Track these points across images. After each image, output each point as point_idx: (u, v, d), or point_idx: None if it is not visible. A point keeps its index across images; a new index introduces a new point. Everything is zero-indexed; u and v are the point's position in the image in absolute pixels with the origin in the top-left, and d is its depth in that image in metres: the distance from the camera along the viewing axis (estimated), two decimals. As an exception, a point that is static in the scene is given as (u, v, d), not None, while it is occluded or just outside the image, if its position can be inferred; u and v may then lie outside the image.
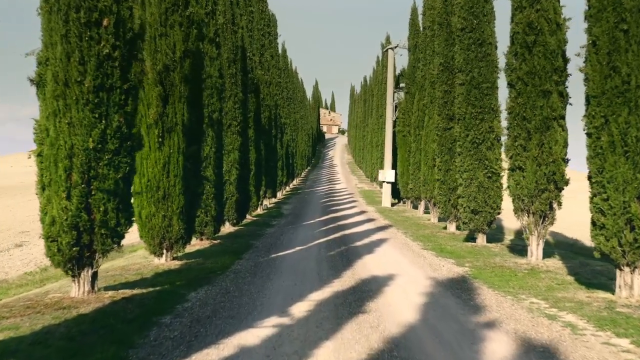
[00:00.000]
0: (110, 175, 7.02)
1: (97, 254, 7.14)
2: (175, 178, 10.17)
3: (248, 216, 20.69)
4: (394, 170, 29.15)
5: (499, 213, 13.72)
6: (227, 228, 16.86)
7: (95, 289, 7.35)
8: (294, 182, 49.36)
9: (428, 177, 20.23)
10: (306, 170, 65.32)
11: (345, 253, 11.74)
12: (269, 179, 24.38)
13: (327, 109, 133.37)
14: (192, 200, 10.70)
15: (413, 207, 27.29)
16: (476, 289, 7.78)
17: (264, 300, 6.93)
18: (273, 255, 11.39)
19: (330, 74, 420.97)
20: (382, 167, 34.97)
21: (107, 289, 7.81)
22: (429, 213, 24.12)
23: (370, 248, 12.73)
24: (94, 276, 7.32)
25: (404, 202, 30.90)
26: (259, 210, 23.99)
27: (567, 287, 8.12)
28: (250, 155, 20.26)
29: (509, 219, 15.49)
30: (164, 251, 10.49)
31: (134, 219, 7.54)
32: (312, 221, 20.13)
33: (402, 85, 29.26)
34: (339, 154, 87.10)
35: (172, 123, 10.23)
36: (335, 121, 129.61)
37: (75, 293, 7.19)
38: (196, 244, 13.44)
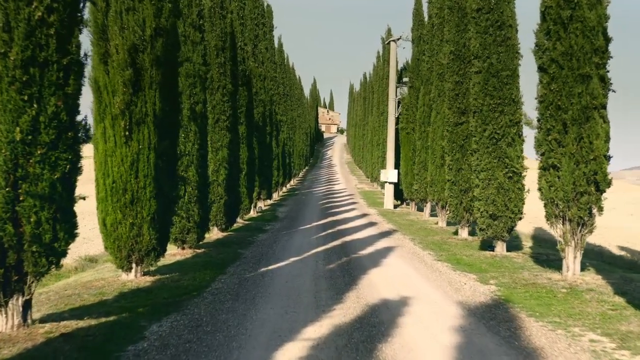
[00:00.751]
0: (45, 176, 5.47)
1: (28, 278, 5.58)
2: (146, 179, 8.59)
3: (240, 220, 19.14)
4: (396, 170, 27.60)
5: (520, 218, 12.20)
6: (214, 234, 15.29)
7: (29, 321, 5.77)
8: (292, 182, 47.79)
9: (436, 177, 18.69)
10: (304, 170, 63.76)
11: (347, 266, 10.18)
12: (263, 179, 22.83)
13: (326, 107, 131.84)
14: (166, 205, 9.12)
15: (418, 210, 25.75)
16: (514, 318, 6.23)
17: (242, 341, 5.35)
18: (262, 270, 9.83)
19: (329, 72, 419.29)
20: (383, 167, 33.45)
21: (49, 317, 6.24)
22: (435, 216, 22.59)
23: (375, 259, 11.17)
24: (27, 305, 5.74)
25: (407, 204, 29.37)
26: (252, 213, 22.43)
27: (623, 313, 6.58)
28: (242, 153, 18.71)
29: (520, 222, 13.95)
30: (133, 265, 8.92)
31: (77, 231, 5.95)
32: (309, 225, 18.56)
33: (405, 80, 27.71)
34: (337, 153, 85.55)
35: (142, 114, 8.64)
36: (333, 120, 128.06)
37: (1, 327, 5.61)
38: (177, 254, 11.88)
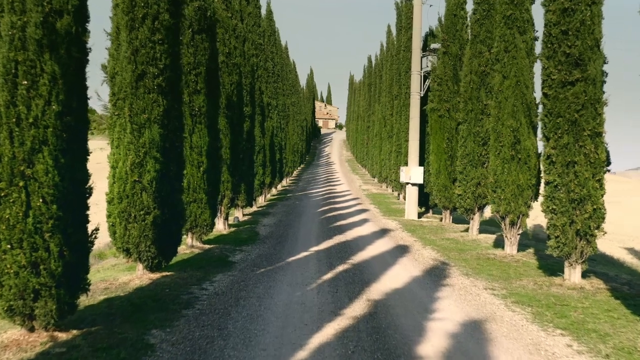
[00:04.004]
0: None
1: None
2: None
3: (196, 243, 12.65)
4: (421, 168, 21.15)
5: None
6: (129, 279, 8.83)
7: None
8: (284, 182, 41.31)
9: (502, 178, 12.27)
10: (299, 168, 57.28)
11: None
12: (238, 178, 16.35)
13: (323, 101, 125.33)
14: None
15: (453, 221, 19.33)
16: None
17: None
18: None
19: (326, 68, 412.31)
20: (399, 163, 27.02)
21: None
22: (489, 233, 16.17)
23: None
24: None
25: (434, 212, 22.93)
26: (222, 228, 15.93)
27: None
28: (197, 138, 12.22)
29: None
30: None
31: None
32: (305, 254, 12.09)
33: (433, 46, 21.28)
34: (336, 150, 79.16)
35: None
36: (332, 115, 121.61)
37: None
38: (11, 344, 5.44)
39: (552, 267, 10.72)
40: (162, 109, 8.98)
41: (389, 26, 37.74)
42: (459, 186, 16.13)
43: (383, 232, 16.10)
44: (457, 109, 18.69)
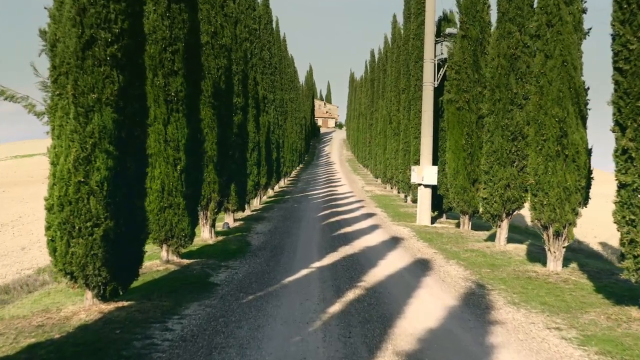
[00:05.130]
0: None
1: None
2: None
3: (173, 257, 10.52)
4: (435, 167, 19.02)
5: None
6: (73, 312, 6.73)
7: None
8: (281, 183, 39.19)
9: (545, 179, 10.16)
10: (298, 168, 55.16)
11: None
12: (226, 179, 14.20)
13: (323, 100, 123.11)
14: None
15: (472, 228, 17.22)
16: None
17: None
18: None
19: (325, 67, 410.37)
20: (407, 161, 24.93)
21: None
22: (516, 242, 14.09)
23: None
24: None
25: (444, 215, 20.81)
26: (208, 237, 13.81)
27: None
28: (174, 130, 10.09)
29: None
30: None
31: None
32: (304, 272, 9.95)
33: (449, 31, 19.17)
34: (336, 150, 77.05)
35: None
36: (331, 114, 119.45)
37: None
38: None
39: (612, 290, 8.63)
40: (117, 87, 6.85)
41: (394, 16, 35.65)
42: (484, 188, 14.00)
43: (395, 242, 13.97)
44: (477, 100, 16.59)
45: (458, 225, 18.90)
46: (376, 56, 47.97)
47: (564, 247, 10.42)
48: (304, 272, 9.74)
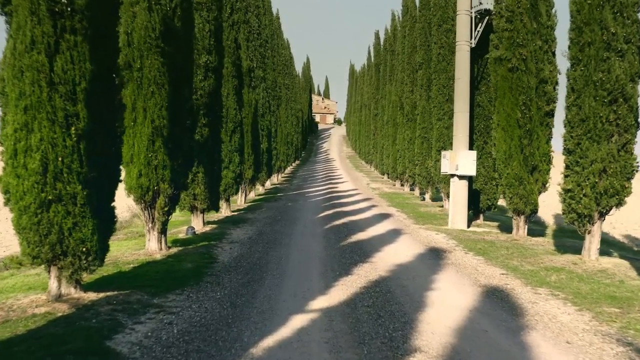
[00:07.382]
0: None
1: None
2: None
3: (68, 290, 6.10)
4: (474, 152, 14.63)
5: None
6: None
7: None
8: (274, 179, 34.79)
9: None
10: (294, 164, 50.72)
11: None
12: (183, 163, 9.77)
13: (321, 95, 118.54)
14: None
15: (529, 234, 12.84)
16: None
17: None
18: None
19: (323, 63, 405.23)
20: (432, 150, 20.55)
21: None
22: (606, 255, 9.74)
23: None
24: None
25: (481, 216, 16.36)
26: (155, 249, 9.40)
27: None
28: (64, 63, 5.67)
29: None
30: None
31: None
32: (297, 325, 5.53)
33: (490, -26, 14.76)
34: (336, 146, 72.68)
35: None
36: (330, 109, 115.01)
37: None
38: None
39: None
40: None
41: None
42: (566, 176, 9.63)
43: (436, 256, 9.55)
44: (537, 59, 12.29)
45: (501, 228, 14.55)
46: (382, 38, 43.58)
47: None
48: (296, 322, 5.32)
